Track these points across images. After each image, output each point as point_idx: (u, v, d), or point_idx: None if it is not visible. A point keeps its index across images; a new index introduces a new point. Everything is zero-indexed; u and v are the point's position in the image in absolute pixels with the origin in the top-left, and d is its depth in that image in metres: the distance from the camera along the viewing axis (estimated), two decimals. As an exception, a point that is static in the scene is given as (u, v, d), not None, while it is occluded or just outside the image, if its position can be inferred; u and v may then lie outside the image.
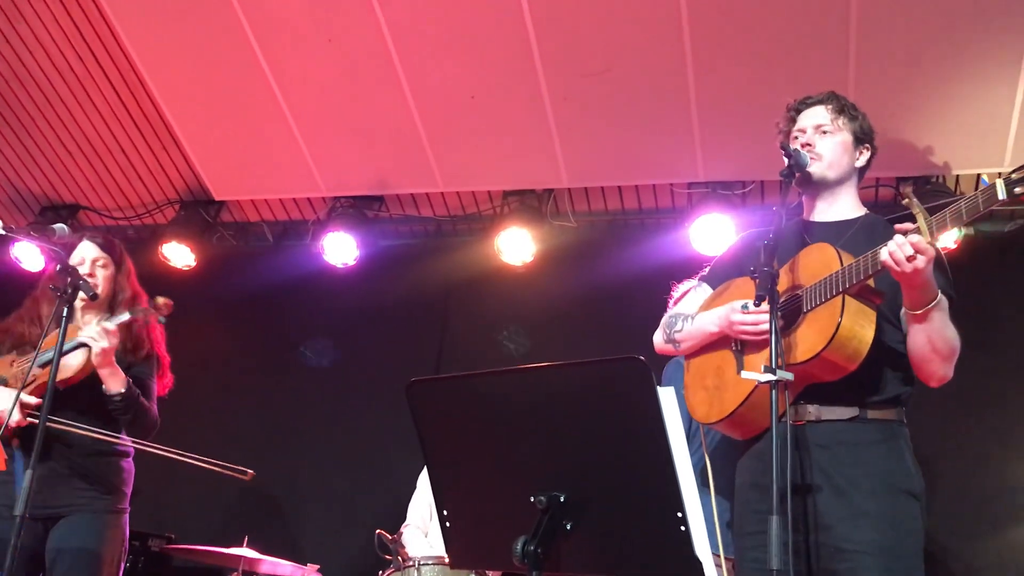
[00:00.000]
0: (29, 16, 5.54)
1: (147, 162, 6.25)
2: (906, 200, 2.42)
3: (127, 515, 3.55)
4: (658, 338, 2.95)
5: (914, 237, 2.31)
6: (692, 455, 2.54)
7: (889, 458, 2.55)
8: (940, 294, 2.45)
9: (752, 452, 2.70)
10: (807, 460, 2.53)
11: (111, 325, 3.37)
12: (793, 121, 2.85)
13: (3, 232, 3.38)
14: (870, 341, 2.47)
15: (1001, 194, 2.17)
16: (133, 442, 3.55)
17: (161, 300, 3.51)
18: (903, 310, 2.53)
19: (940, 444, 4.85)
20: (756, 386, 2.50)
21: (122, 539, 3.51)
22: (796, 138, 2.79)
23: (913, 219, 2.37)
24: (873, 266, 2.39)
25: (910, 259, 2.31)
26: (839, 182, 2.79)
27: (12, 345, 3.59)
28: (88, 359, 3.37)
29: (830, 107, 2.81)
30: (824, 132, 2.78)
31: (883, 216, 2.80)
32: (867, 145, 2.83)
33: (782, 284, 2.61)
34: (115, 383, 3.43)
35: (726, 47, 4.85)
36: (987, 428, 5.05)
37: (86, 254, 3.63)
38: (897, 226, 2.38)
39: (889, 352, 2.58)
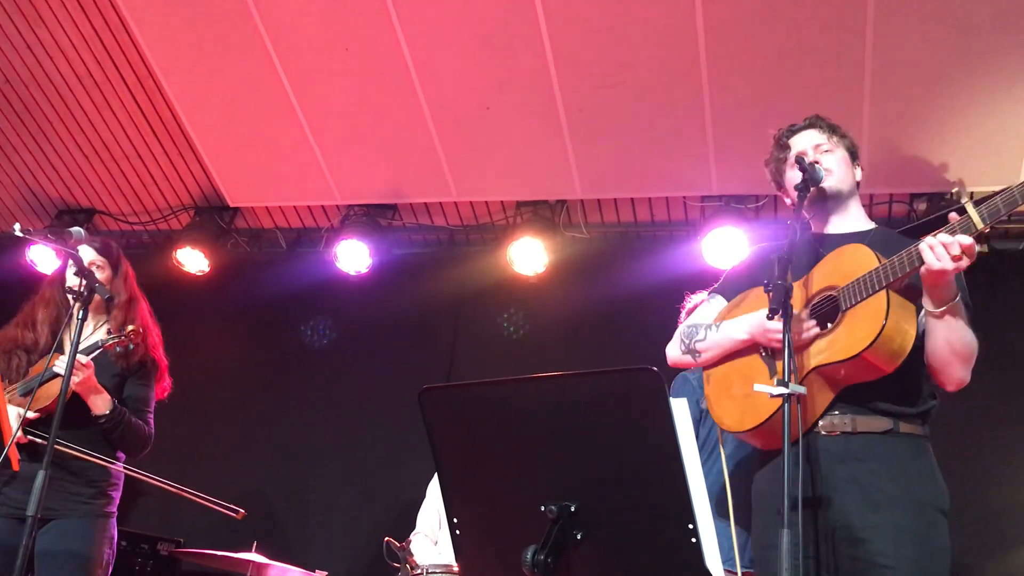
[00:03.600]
0: (49, 21, 5.59)
1: (163, 167, 6.29)
2: (955, 189, 2.42)
3: (115, 518, 3.59)
4: (674, 350, 2.93)
5: (963, 238, 2.31)
6: (707, 475, 2.53)
7: (923, 474, 2.54)
8: (959, 293, 2.45)
9: (776, 464, 2.62)
10: (841, 472, 2.51)
11: (84, 358, 3.38)
12: (785, 148, 2.88)
13: (20, 234, 3.40)
14: (913, 338, 2.46)
15: None
16: (135, 471, 3.59)
17: (131, 327, 3.54)
18: (922, 312, 2.52)
19: (954, 459, 4.82)
20: (770, 397, 2.48)
21: (110, 541, 3.55)
22: (798, 162, 2.78)
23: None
24: (920, 259, 2.38)
25: (955, 258, 2.32)
26: (849, 195, 2.82)
27: (1, 352, 3.61)
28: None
29: (821, 128, 2.87)
30: (825, 151, 2.82)
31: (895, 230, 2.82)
32: (858, 161, 2.90)
33: (814, 287, 2.63)
34: (100, 405, 3.48)
35: (741, 61, 4.86)
36: (1001, 444, 5.02)
37: (82, 257, 3.65)
38: (951, 215, 2.38)
39: (920, 364, 2.56)
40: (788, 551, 2.17)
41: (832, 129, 2.86)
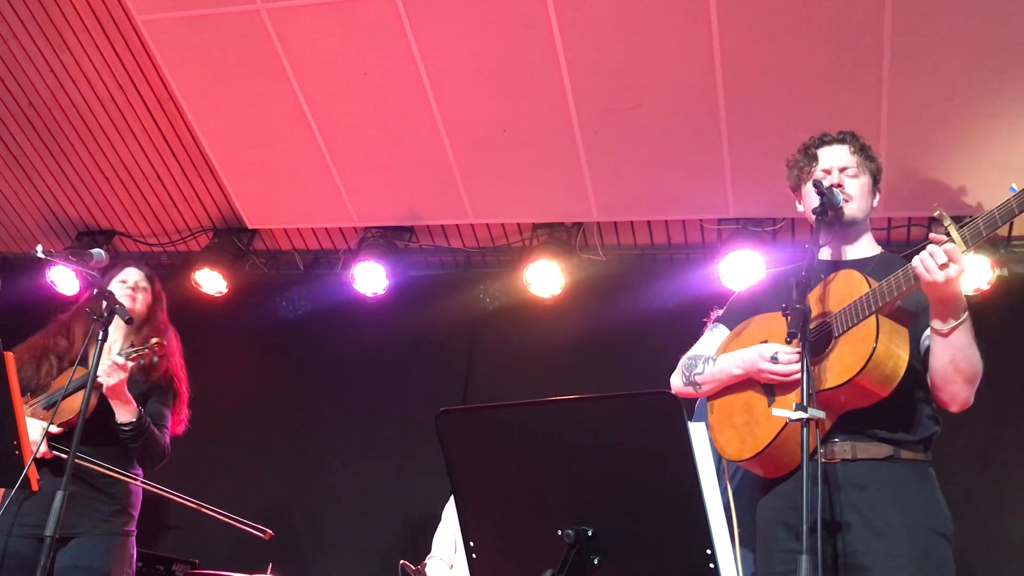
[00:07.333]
0: (72, 45, 5.66)
1: (182, 190, 6.34)
2: (937, 213, 2.41)
3: (134, 537, 3.61)
4: (676, 381, 2.92)
5: (948, 245, 2.32)
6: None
7: (926, 499, 2.53)
8: (967, 313, 2.42)
9: (778, 491, 2.66)
10: (842, 499, 2.49)
11: (121, 359, 3.39)
12: (813, 157, 2.83)
13: (42, 256, 3.44)
14: (906, 362, 2.44)
15: None
16: (162, 489, 3.63)
17: (154, 340, 3.57)
18: (925, 333, 2.51)
19: (971, 489, 4.78)
20: (788, 421, 2.47)
21: (130, 560, 3.57)
22: (815, 185, 2.74)
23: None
24: (906, 281, 2.39)
25: (942, 267, 2.31)
26: (863, 223, 2.81)
27: (32, 357, 3.63)
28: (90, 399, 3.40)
29: (852, 148, 2.81)
30: (851, 175, 2.78)
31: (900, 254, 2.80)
32: (878, 187, 2.86)
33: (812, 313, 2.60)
34: (125, 413, 3.48)
35: (758, 84, 4.86)
36: (1019, 473, 4.97)
37: (129, 276, 3.75)
38: (932, 235, 2.37)
39: (919, 389, 2.57)
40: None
41: (863, 150, 2.81)
